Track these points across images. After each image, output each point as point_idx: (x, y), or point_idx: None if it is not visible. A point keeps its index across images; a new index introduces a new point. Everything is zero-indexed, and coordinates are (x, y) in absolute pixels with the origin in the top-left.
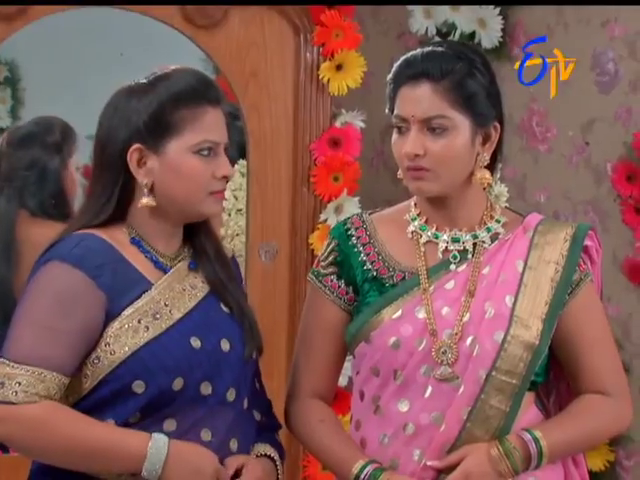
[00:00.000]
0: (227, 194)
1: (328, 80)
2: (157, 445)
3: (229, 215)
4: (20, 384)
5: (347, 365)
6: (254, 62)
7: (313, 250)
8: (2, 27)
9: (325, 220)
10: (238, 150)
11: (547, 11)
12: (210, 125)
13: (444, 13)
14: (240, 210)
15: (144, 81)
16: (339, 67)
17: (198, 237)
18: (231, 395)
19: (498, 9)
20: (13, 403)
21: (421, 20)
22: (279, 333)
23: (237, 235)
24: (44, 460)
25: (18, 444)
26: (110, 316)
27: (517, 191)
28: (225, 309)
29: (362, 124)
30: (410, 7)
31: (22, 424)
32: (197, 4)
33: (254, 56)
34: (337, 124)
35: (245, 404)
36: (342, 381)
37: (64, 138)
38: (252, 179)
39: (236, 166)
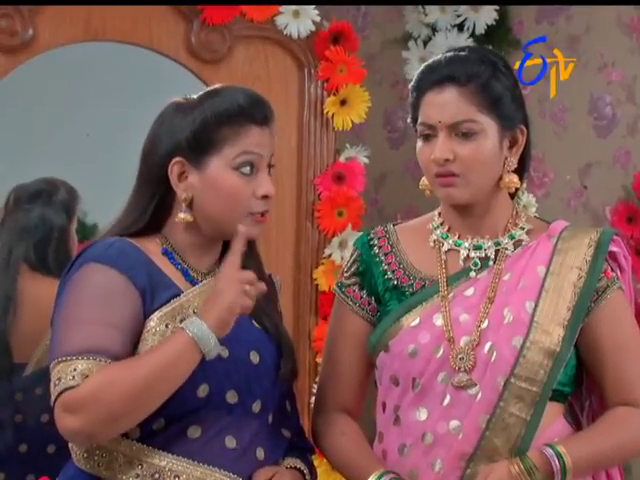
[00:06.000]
0: None
1: (332, 115)
2: (194, 325)
3: None
4: (76, 369)
5: None
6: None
7: (317, 285)
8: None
9: (329, 255)
10: None
11: (545, 55)
12: (252, 142)
13: None
14: None
15: (194, 97)
16: (343, 102)
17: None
18: (257, 407)
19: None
20: (73, 387)
21: (417, 67)
22: None
23: None
24: (122, 422)
25: (90, 421)
26: (144, 316)
27: None
28: (257, 325)
29: (366, 160)
30: (405, 54)
31: (86, 398)
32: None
33: (258, 90)
34: (341, 159)
35: (270, 419)
36: None
37: (70, 197)
38: None
39: None
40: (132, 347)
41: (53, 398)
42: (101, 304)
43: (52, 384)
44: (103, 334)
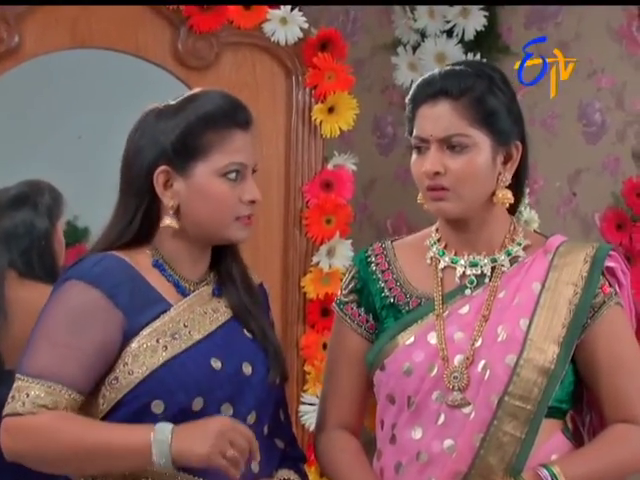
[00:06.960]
0: None
1: (320, 122)
2: (161, 432)
3: None
4: (28, 395)
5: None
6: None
7: (305, 293)
8: None
9: (317, 263)
10: None
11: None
12: (238, 148)
13: (430, 65)
14: None
15: (173, 103)
16: (331, 109)
17: (224, 261)
18: (252, 418)
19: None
20: (19, 414)
21: (406, 72)
22: None
23: None
24: (50, 468)
25: (23, 454)
26: (128, 336)
27: None
28: (248, 334)
29: (354, 167)
30: (394, 60)
31: (25, 433)
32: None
33: (245, 98)
34: (329, 166)
35: (265, 430)
36: None
37: (54, 201)
38: None
39: None
40: (102, 370)
41: (3, 414)
42: (73, 326)
43: (9, 397)
44: (66, 359)
